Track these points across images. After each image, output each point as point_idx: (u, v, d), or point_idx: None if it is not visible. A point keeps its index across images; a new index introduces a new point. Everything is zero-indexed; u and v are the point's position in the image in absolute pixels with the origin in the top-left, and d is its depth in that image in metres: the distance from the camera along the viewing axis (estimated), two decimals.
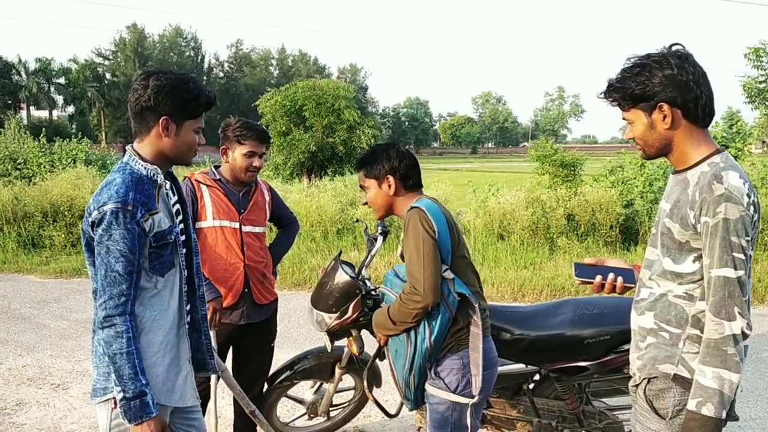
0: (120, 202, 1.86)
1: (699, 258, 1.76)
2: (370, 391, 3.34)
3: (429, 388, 2.48)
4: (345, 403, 3.71)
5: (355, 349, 3.12)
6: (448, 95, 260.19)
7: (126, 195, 1.87)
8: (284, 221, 3.51)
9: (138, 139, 2.01)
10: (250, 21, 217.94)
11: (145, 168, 1.97)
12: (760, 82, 13.60)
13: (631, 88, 1.80)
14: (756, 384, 4.45)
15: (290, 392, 3.57)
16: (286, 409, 3.93)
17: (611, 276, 2.05)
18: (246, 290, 3.11)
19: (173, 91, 1.94)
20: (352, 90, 20.75)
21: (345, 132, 19.22)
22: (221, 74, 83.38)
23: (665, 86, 1.75)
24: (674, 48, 1.82)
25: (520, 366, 3.14)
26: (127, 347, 1.86)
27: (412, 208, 2.41)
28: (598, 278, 2.06)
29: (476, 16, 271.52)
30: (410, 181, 2.56)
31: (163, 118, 1.94)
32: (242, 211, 3.11)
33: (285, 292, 7.55)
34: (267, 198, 3.29)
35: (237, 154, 3.03)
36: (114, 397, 1.95)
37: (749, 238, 1.68)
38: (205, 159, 16.62)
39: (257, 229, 3.19)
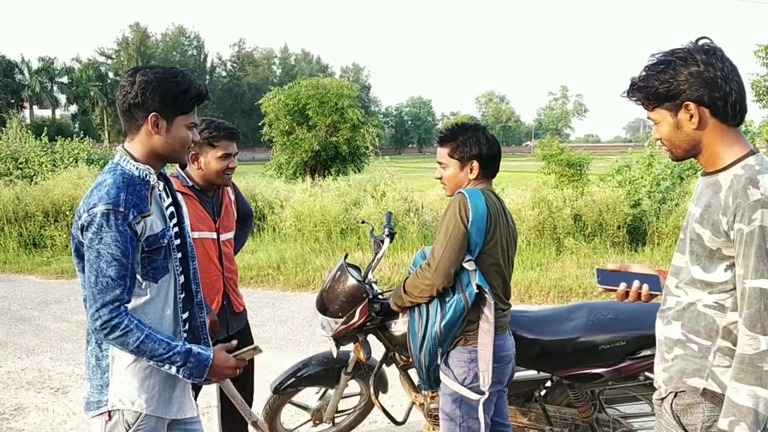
0: (111, 203, 1.76)
1: (731, 266, 1.64)
2: (377, 397, 3.26)
3: (442, 377, 2.56)
4: (350, 409, 3.62)
5: (362, 355, 3.03)
6: (451, 94, 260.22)
7: (117, 196, 1.78)
8: (242, 215, 3.32)
9: (128, 139, 1.91)
10: (252, 20, 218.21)
11: (137, 168, 1.87)
12: None
13: (655, 86, 1.68)
14: None
15: (294, 399, 3.47)
16: (290, 416, 3.84)
17: (636, 283, 1.94)
18: (225, 302, 2.98)
19: (161, 86, 1.83)
20: (356, 89, 20.68)
21: (348, 131, 19.16)
22: (224, 73, 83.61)
23: (691, 84, 1.63)
24: (701, 42, 1.70)
25: (532, 372, 3.07)
26: (143, 334, 1.78)
27: (459, 192, 2.43)
28: (623, 285, 1.95)
29: (479, 16, 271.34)
30: (490, 169, 2.55)
31: (152, 114, 1.84)
32: (217, 218, 2.94)
33: (288, 293, 7.47)
34: (232, 197, 3.13)
35: (210, 158, 2.79)
36: (108, 411, 1.86)
37: None
38: None
39: (230, 235, 3.04)
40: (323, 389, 3.49)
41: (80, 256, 1.84)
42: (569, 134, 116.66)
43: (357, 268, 3.17)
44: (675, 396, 1.78)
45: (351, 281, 2.91)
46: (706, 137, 1.69)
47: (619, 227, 8.88)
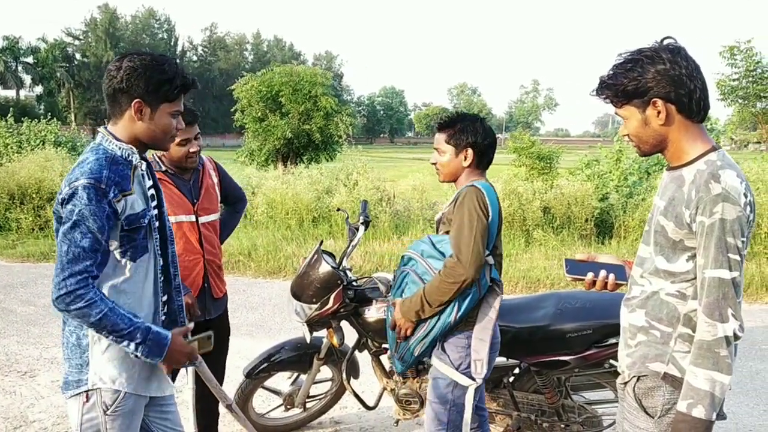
0: (93, 178, 1.78)
1: (693, 257, 1.72)
2: (349, 383, 3.30)
3: (435, 362, 2.56)
4: (322, 394, 3.66)
5: (335, 341, 3.08)
6: (423, 85, 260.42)
7: (99, 173, 1.79)
8: (232, 199, 3.33)
9: (112, 123, 1.93)
10: (225, 4, 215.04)
11: (120, 148, 1.89)
12: (734, 80, 13.77)
13: (623, 84, 1.75)
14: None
15: (267, 383, 3.50)
16: (261, 400, 3.87)
17: (603, 273, 2.01)
18: (205, 285, 2.99)
19: (147, 73, 1.85)
20: (330, 77, 20.56)
21: (322, 119, 19.06)
22: (195, 58, 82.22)
23: (658, 82, 1.71)
24: (666, 42, 1.77)
25: (501, 359, 3.12)
26: (106, 307, 1.78)
27: (471, 185, 2.45)
28: (590, 275, 2.02)
29: (453, 7, 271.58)
30: (484, 159, 2.59)
31: (135, 101, 1.86)
32: (195, 201, 2.94)
33: (260, 280, 7.47)
34: (215, 180, 3.12)
35: (170, 146, 2.66)
36: (86, 391, 1.87)
37: (745, 239, 1.65)
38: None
39: (212, 218, 3.03)
40: (295, 374, 3.52)
41: None
42: (539, 128, 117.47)
43: (332, 255, 3.20)
44: (637, 380, 1.86)
45: (326, 268, 2.95)
46: (672, 133, 1.77)
47: (586, 220, 9.04)
